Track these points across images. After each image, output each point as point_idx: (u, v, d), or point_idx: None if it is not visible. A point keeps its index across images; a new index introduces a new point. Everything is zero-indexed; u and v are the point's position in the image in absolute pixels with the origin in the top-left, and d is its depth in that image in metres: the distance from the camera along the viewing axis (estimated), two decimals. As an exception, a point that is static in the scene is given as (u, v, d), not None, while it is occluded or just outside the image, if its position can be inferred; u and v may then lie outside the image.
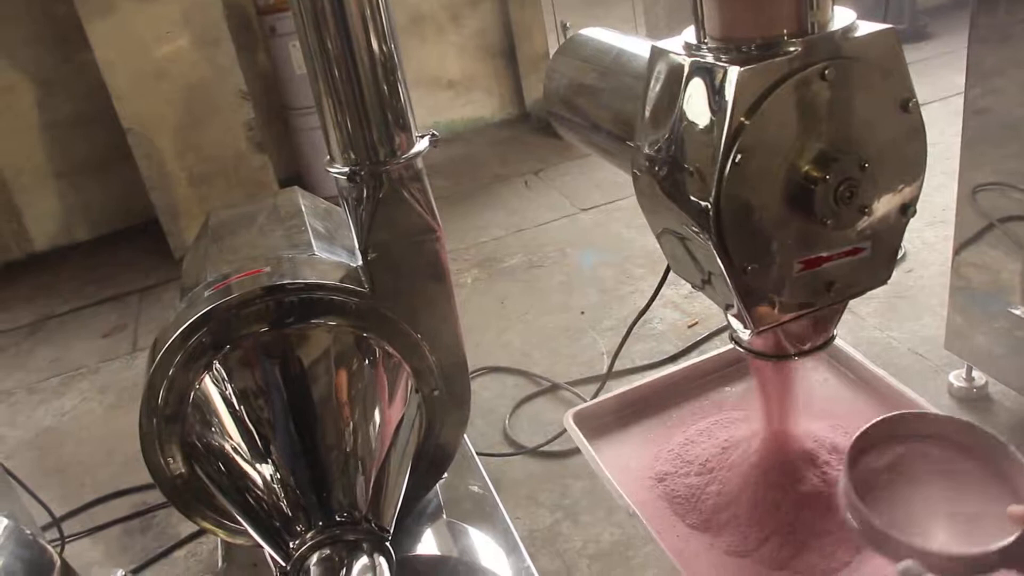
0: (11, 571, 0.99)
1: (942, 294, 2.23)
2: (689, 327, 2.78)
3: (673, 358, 2.64)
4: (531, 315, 3.13)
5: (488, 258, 3.68)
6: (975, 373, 2.18)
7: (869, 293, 2.58)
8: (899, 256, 2.69)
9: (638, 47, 1.23)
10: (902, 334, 2.47)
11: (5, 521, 1.06)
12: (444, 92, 5.26)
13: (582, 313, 3.05)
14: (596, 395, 1.97)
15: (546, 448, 2.32)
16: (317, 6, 1.30)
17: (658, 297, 1.54)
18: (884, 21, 0.96)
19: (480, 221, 4.06)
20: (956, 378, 2.21)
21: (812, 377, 1.48)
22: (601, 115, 1.31)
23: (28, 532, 1.06)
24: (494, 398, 2.64)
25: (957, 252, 2.05)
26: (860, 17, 0.95)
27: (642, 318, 1.68)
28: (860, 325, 2.49)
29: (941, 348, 2.21)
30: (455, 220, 4.05)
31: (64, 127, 4.63)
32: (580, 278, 3.33)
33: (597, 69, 1.33)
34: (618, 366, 2.46)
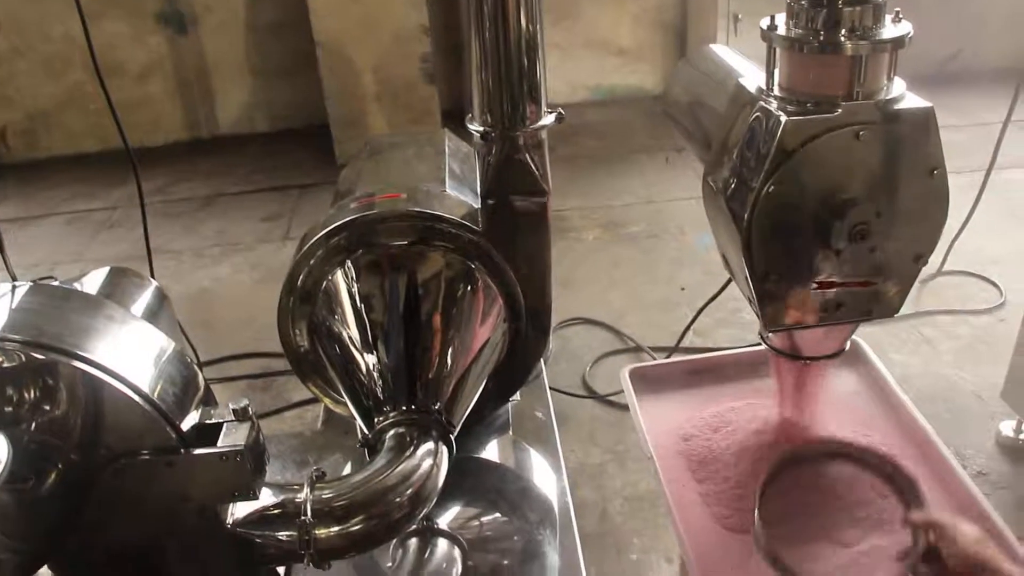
0: (174, 381, 1.30)
1: (1023, 346, 2.31)
2: (776, 323, 2.94)
3: (747, 346, 2.80)
4: (637, 281, 3.37)
5: (613, 221, 3.92)
6: (1024, 426, 2.28)
7: (954, 333, 2.69)
8: (999, 302, 2.76)
9: (747, 70, 1.43)
10: (972, 376, 2.55)
11: (174, 344, 1.37)
12: (613, 58, 5.41)
13: (682, 289, 3.26)
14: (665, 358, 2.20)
15: (613, 399, 2.59)
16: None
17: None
18: None
19: (616, 185, 4.28)
20: (1006, 427, 2.30)
21: (841, 388, 1.67)
22: (701, 124, 1.53)
23: (188, 358, 1.39)
24: (583, 346, 2.91)
25: (1034, 309, 2.15)
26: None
27: (736, 307, 1.87)
28: (935, 359, 2.59)
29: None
30: (593, 179, 4.27)
31: (266, 31, 5.16)
32: (690, 257, 3.52)
33: (709, 84, 1.55)
34: (697, 343, 2.68)
